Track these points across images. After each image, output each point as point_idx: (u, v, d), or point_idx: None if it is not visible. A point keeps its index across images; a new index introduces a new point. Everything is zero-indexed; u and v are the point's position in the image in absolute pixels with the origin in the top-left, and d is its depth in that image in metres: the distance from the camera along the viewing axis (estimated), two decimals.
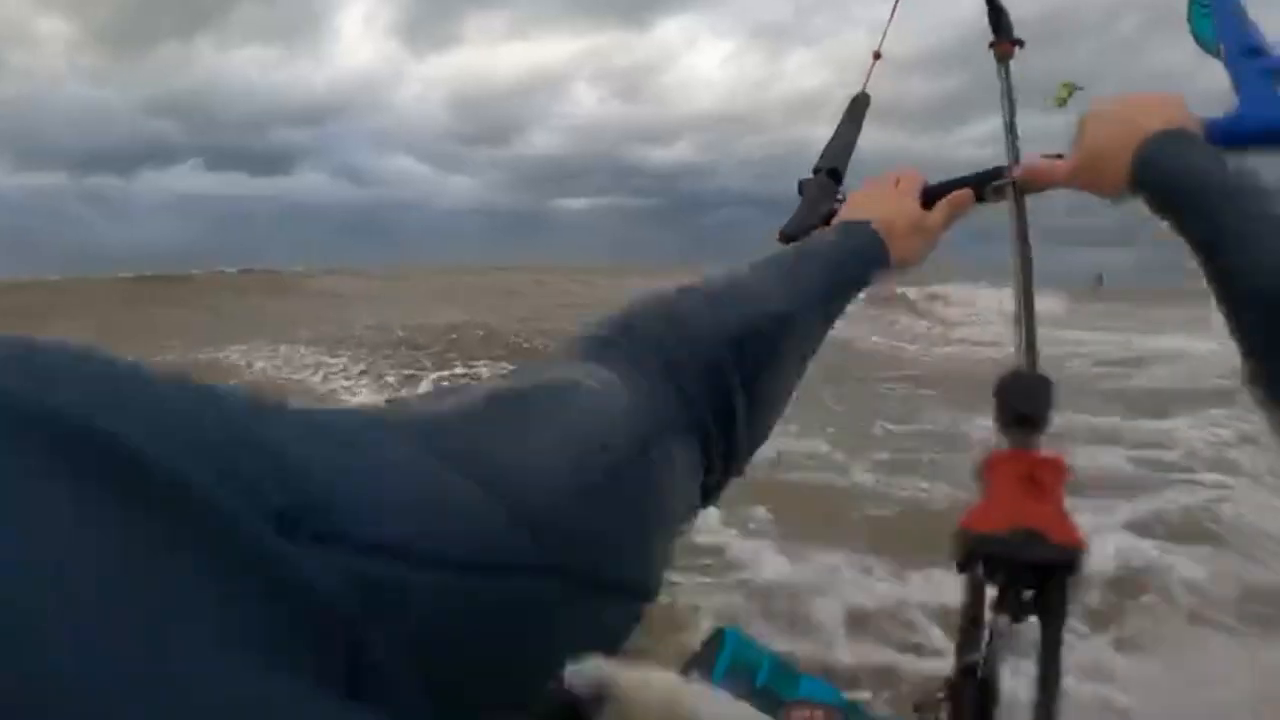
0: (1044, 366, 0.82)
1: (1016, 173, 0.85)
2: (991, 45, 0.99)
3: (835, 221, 0.79)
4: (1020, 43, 0.98)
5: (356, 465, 0.25)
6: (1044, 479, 0.66)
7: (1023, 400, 0.74)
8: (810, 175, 0.90)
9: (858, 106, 0.97)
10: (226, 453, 0.20)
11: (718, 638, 0.72)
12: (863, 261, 0.70)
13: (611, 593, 0.34)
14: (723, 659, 0.69)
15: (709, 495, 0.47)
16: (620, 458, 0.37)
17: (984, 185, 0.85)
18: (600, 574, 0.33)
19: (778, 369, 0.52)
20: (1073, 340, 9.47)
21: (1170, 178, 0.68)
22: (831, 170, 0.90)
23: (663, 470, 0.40)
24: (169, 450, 0.18)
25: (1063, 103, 0.93)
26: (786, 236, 0.84)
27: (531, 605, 0.29)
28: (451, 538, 0.26)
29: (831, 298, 0.64)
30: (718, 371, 0.46)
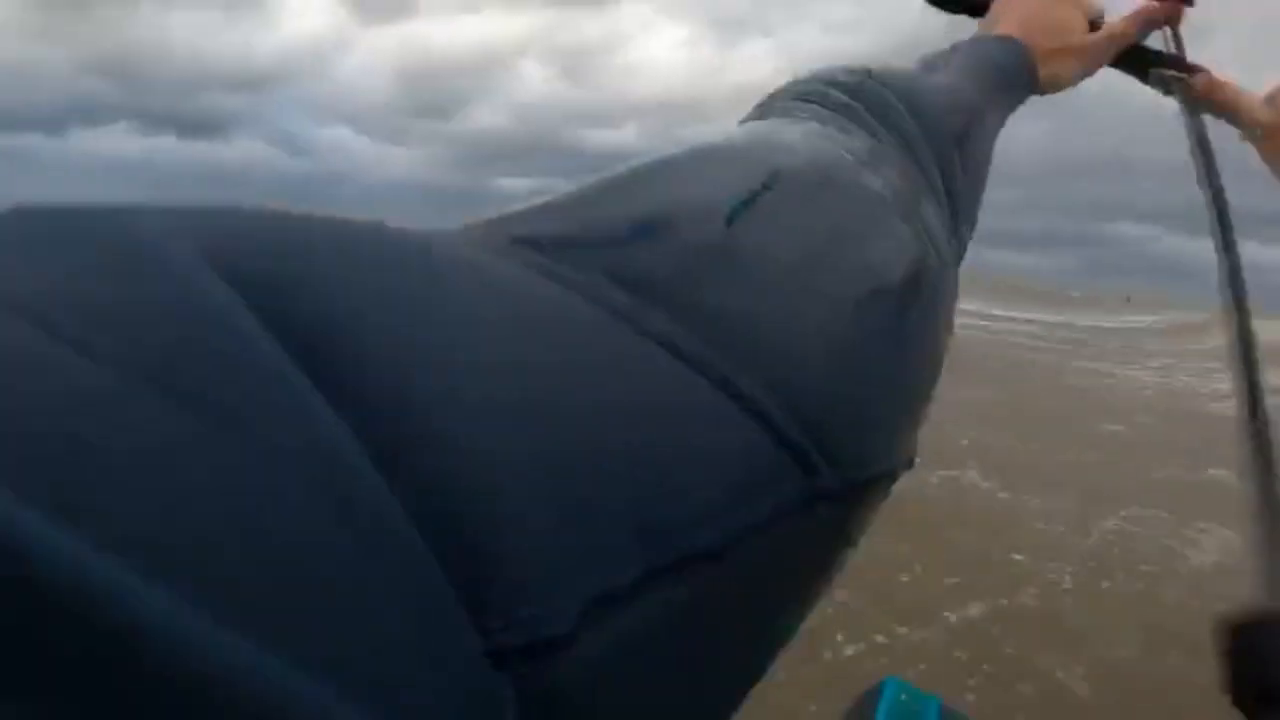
0: None
1: (1200, 80, 0.67)
2: None
3: (981, 28, 0.64)
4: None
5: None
6: None
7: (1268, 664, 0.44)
8: None
9: None
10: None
11: (877, 688, 0.65)
12: (1010, 84, 0.58)
13: (883, 486, 0.23)
14: (883, 709, 0.63)
15: None
16: (912, 270, 0.26)
17: (1156, 63, 0.69)
18: (884, 467, 0.23)
19: (982, 172, 0.45)
20: None
21: None
22: None
23: (944, 276, 0.29)
24: None
25: None
26: (936, 1, 0.68)
27: (786, 552, 0.20)
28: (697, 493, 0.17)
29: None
30: (949, 162, 0.37)
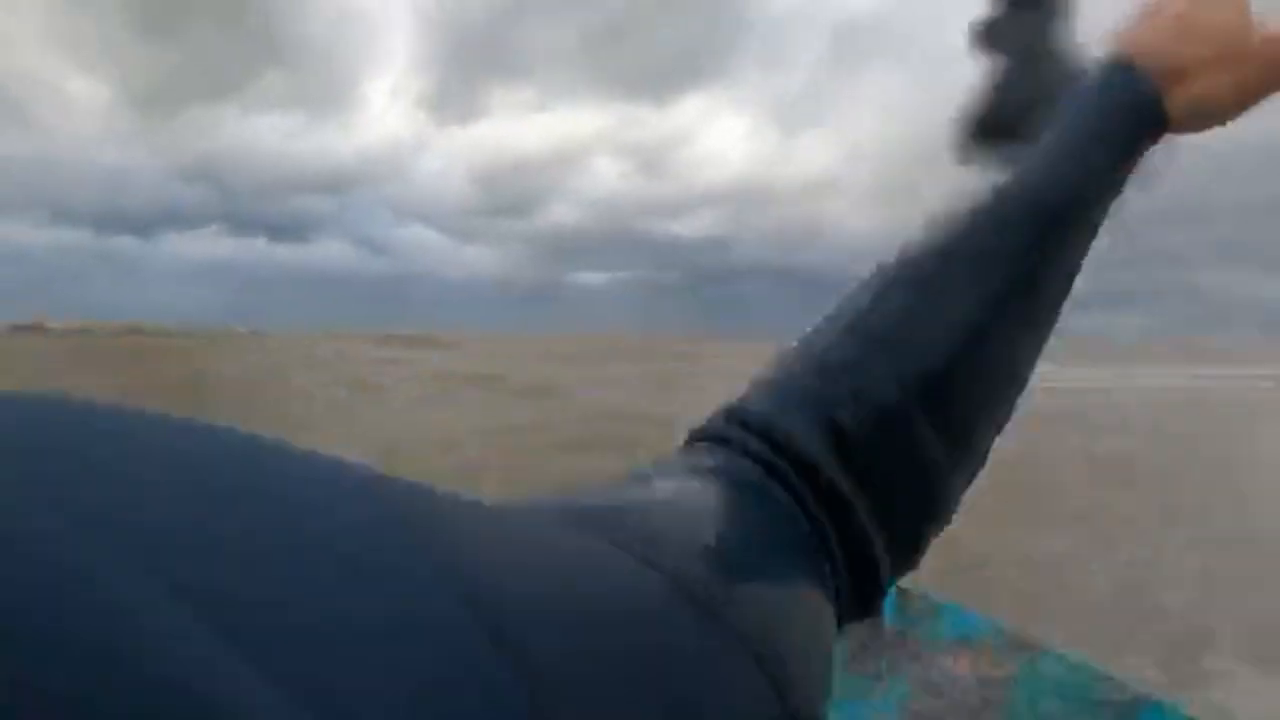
0: None
1: None
2: None
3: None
4: None
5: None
6: None
7: None
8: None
9: None
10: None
11: None
12: (1120, 142, 0.42)
13: None
14: (888, 611, 0.61)
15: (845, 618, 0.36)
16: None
17: None
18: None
19: (916, 451, 0.37)
20: None
21: None
22: None
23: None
24: None
25: None
26: (979, 132, 0.45)
27: None
28: None
29: (1067, 248, 0.41)
30: (815, 472, 0.35)
